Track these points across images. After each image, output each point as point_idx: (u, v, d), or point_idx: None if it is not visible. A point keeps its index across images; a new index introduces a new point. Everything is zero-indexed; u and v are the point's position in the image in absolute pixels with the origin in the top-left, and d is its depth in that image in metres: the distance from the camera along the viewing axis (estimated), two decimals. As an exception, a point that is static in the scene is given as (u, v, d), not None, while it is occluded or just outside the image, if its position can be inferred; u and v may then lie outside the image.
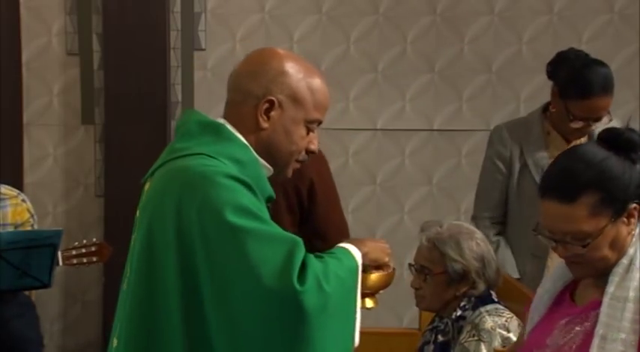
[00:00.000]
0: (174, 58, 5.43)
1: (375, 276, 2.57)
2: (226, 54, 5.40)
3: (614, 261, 2.36)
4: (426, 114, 5.53)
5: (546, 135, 3.99)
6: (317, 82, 2.52)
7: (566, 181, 2.31)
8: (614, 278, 2.34)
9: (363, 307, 2.58)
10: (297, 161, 2.56)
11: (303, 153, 2.55)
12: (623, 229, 2.34)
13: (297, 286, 2.27)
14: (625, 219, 2.34)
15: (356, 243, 2.55)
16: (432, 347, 3.35)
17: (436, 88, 5.52)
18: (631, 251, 2.35)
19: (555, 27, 5.49)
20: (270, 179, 2.54)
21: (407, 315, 5.41)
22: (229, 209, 2.31)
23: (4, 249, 4.04)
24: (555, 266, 2.58)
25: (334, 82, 5.45)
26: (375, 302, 2.61)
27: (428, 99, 5.53)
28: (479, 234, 3.36)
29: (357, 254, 2.49)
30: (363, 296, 2.56)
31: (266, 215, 2.38)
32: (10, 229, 4.28)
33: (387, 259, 2.60)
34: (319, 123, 2.55)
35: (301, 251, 2.33)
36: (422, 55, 5.51)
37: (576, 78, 3.88)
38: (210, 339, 2.32)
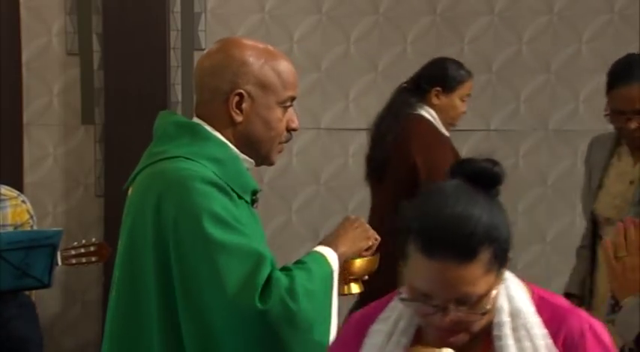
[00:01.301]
0: (174, 58, 5.43)
1: (359, 262, 2.56)
2: (226, 54, 5.40)
3: (486, 320, 1.96)
4: (426, 114, 5.53)
5: (620, 147, 3.78)
6: (280, 62, 2.50)
7: (462, 234, 1.88)
8: (507, 343, 1.95)
9: (349, 292, 2.59)
10: (280, 143, 2.54)
11: (285, 133, 2.53)
12: (499, 282, 1.97)
13: (259, 305, 2.28)
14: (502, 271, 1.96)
15: (332, 242, 2.53)
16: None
17: (436, 88, 5.52)
18: (504, 305, 1.98)
19: (555, 27, 5.49)
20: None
21: (407, 315, 5.41)
22: (204, 217, 2.30)
23: (4, 249, 4.04)
24: (373, 335, 2.06)
25: (334, 82, 5.46)
26: (361, 287, 2.61)
27: (428, 99, 5.52)
28: None
29: (332, 257, 2.48)
30: (349, 281, 2.58)
31: (240, 221, 2.37)
32: (10, 230, 4.28)
33: (369, 243, 2.58)
34: (293, 99, 2.53)
35: (266, 268, 2.32)
36: (422, 55, 5.50)
37: (611, 70, 3.67)
38: (183, 342, 2.33)
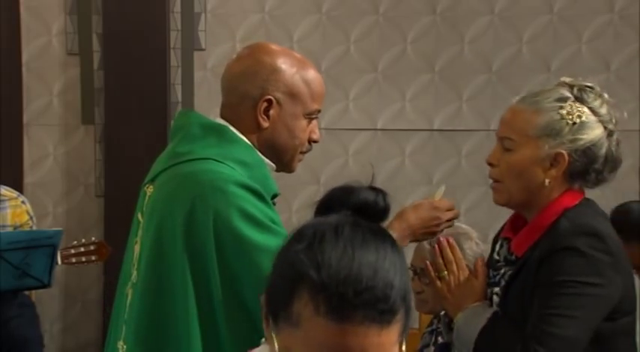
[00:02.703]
0: (174, 58, 5.43)
1: None
2: (226, 54, 5.40)
3: None
4: (426, 114, 5.53)
5: None
6: (310, 72, 2.51)
7: (382, 288, 1.41)
8: None
9: None
10: (302, 153, 2.56)
11: (307, 144, 2.55)
12: None
13: None
14: None
15: (396, 226, 2.58)
16: (431, 349, 3.34)
17: (436, 88, 5.52)
18: None
19: (555, 27, 5.49)
20: None
21: (407, 315, 5.41)
22: (243, 221, 2.32)
23: (4, 249, 4.04)
24: None
25: (334, 82, 5.46)
26: None
27: (428, 99, 5.53)
28: (475, 234, 3.36)
29: None
30: None
31: (277, 222, 2.39)
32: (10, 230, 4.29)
33: (435, 222, 2.64)
34: (319, 111, 2.55)
35: None
36: (422, 55, 5.51)
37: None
38: (220, 338, 2.33)
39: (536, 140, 2.48)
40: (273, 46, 2.54)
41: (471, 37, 5.50)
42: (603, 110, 2.52)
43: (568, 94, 2.53)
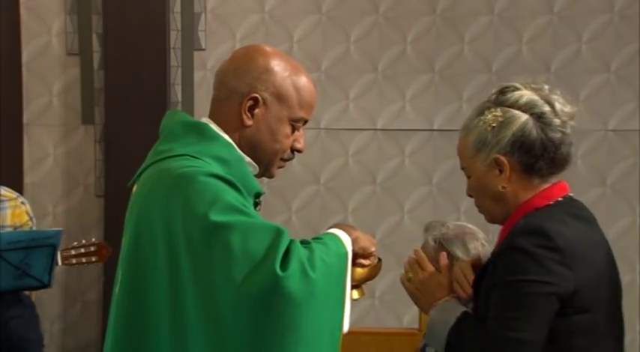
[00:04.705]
0: (175, 58, 5.43)
1: (361, 269, 2.56)
2: (226, 54, 5.36)
3: None
4: (426, 114, 5.53)
5: None
6: (303, 80, 2.51)
7: None
8: None
9: (350, 298, 2.58)
10: (283, 160, 2.54)
11: (289, 151, 2.54)
12: None
13: (279, 272, 2.26)
14: None
15: (345, 228, 2.52)
16: (432, 349, 3.34)
17: (436, 88, 5.52)
18: None
19: (555, 27, 5.49)
20: None
21: (407, 315, 5.41)
22: (211, 208, 2.30)
23: (4, 249, 4.04)
24: None
25: (334, 82, 5.46)
26: (361, 294, 2.60)
27: (428, 99, 5.53)
28: (481, 235, 3.36)
29: (346, 240, 2.47)
30: (350, 288, 2.57)
31: (250, 209, 2.37)
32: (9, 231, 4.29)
33: (373, 249, 2.57)
34: (305, 122, 2.53)
35: (285, 239, 2.32)
36: (422, 55, 5.51)
37: None
38: (195, 337, 2.32)
39: (474, 158, 2.64)
40: (270, 49, 2.54)
41: (471, 37, 5.50)
42: (524, 99, 2.61)
43: (488, 104, 2.62)
